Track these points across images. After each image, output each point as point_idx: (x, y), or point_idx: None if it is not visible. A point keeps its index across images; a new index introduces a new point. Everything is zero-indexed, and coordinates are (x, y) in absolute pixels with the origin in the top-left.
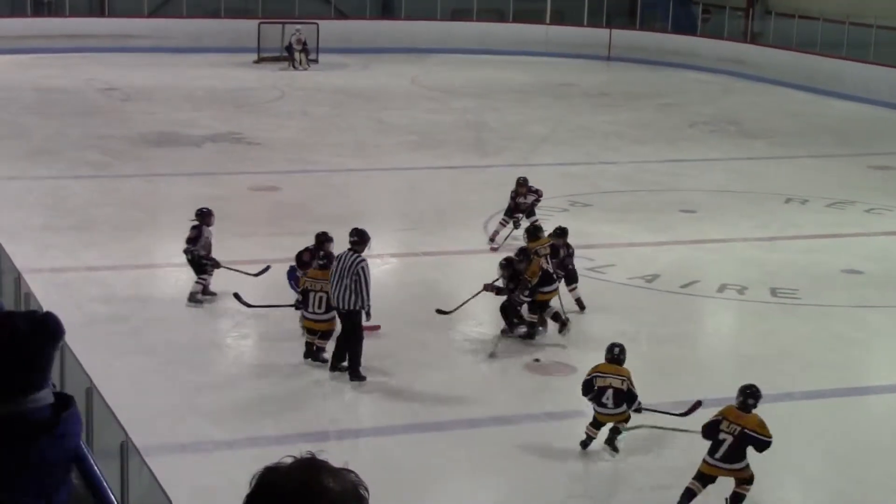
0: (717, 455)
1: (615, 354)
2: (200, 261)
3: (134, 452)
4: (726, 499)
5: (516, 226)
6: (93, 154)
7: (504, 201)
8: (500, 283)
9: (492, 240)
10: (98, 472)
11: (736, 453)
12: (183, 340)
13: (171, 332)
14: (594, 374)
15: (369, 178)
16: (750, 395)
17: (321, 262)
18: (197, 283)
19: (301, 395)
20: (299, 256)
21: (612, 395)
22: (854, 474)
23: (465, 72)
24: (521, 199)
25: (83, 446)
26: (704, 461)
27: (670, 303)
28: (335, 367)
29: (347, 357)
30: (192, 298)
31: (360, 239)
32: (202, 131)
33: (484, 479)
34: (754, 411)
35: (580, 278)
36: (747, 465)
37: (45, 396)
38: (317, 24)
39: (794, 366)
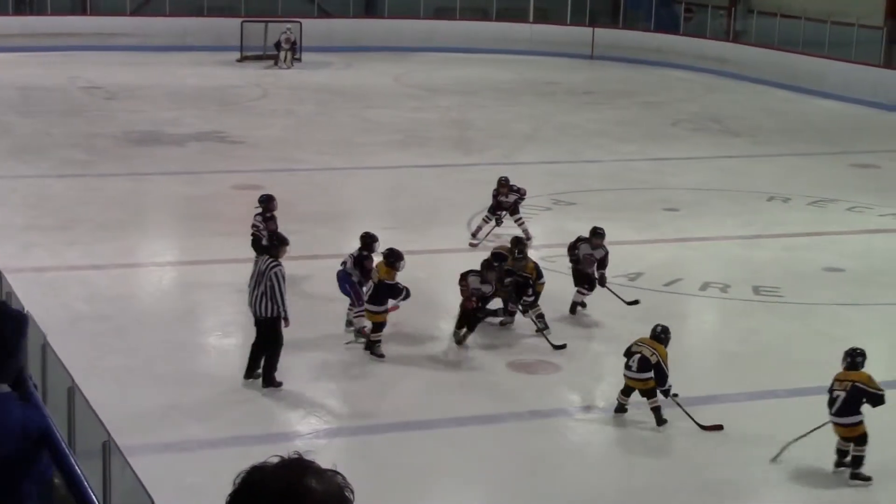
0: (833, 410)
1: (657, 332)
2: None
3: (116, 452)
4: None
5: (498, 223)
6: (76, 153)
7: (487, 199)
8: (484, 288)
9: (473, 235)
10: (79, 471)
11: (849, 407)
12: (167, 339)
13: (156, 331)
14: (634, 343)
15: (353, 177)
16: (858, 354)
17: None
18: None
19: (287, 394)
20: (361, 264)
21: (638, 360)
22: (836, 473)
23: (449, 70)
24: (503, 198)
25: (64, 446)
26: (832, 422)
27: (654, 301)
28: (250, 374)
29: (262, 364)
30: None
31: (276, 243)
32: (186, 130)
33: (470, 479)
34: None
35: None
36: (861, 422)
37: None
38: (300, 22)
39: (777, 364)
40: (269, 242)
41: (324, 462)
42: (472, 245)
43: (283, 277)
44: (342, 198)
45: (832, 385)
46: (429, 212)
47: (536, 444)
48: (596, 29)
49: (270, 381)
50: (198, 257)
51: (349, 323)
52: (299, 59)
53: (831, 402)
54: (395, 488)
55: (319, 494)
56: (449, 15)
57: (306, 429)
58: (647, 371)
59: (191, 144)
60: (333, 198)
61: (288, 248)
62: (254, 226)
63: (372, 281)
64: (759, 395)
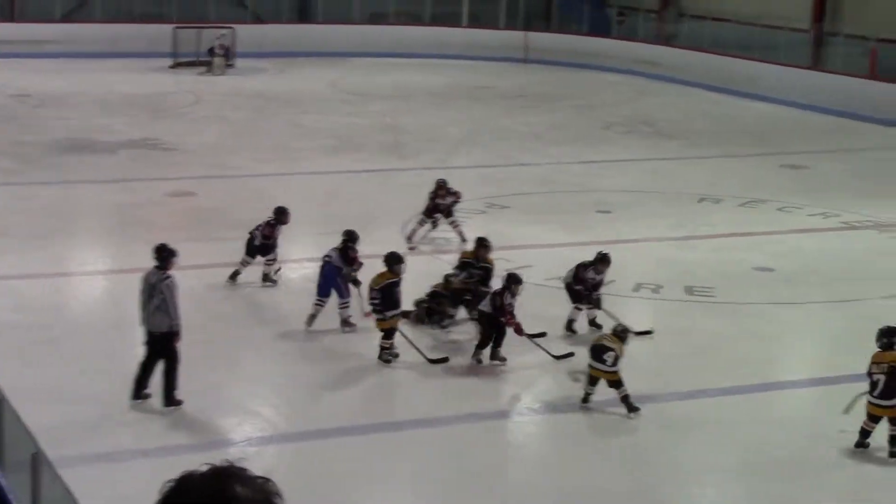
0: (876, 393)
1: (619, 331)
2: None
3: (46, 464)
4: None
5: (434, 226)
6: (5, 161)
7: (422, 203)
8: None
9: (409, 239)
10: (4, 483)
11: (891, 390)
12: (98, 349)
13: (87, 341)
14: (601, 337)
15: (289, 182)
16: (893, 333)
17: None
18: (266, 263)
19: (221, 402)
20: (346, 254)
21: (613, 357)
22: (769, 469)
23: (384, 75)
24: (440, 201)
25: None
26: (868, 402)
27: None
28: (138, 394)
29: (163, 383)
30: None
31: (165, 255)
32: (117, 137)
33: (409, 483)
34: None
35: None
36: None
37: None
38: (234, 28)
39: (710, 363)
40: (163, 255)
41: (257, 469)
42: (409, 249)
43: (176, 289)
44: (276, 203)
45: (870, 368)
46: (365, 216)
47: (475, 447)
48: (529, 33)
49: (171, 400)
50: (130, 265)
51: (314, 317)
52: (233, 66)
53: (872, 386)
54: (331, 495)
55: (246, 501)
56: (383, 20)
57: (240, 436)
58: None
59: (123, 152)
60: (269, 204)
61: (177, 259)
62: (257, 228)
63: (372, 287)
64: (691, 394)
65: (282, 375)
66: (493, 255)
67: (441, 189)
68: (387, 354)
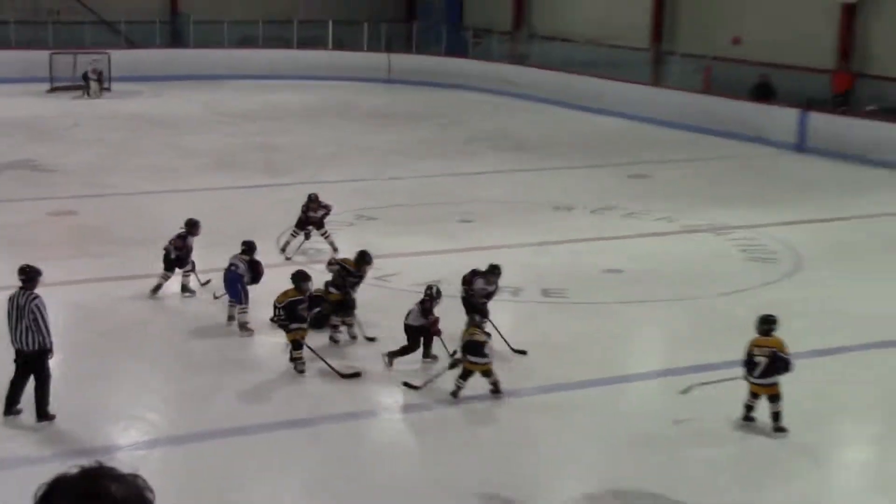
0: (757, 374)
1: (477, 322)
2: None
3: None
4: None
5: (307, 237)
6: None
7: (295, 217)
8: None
9: (283, 250)
10: None
11: (769, 371)
12: (9, 351)
13: None
14: (473, 333)
15: (167, 200)
16: (771, 321)
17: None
18: (184, 275)
19: (109, 407)
20: (255, 268)
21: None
22: (621, 457)
23: (256, 96)
24: (312, 213)
25: None
26: (751, 382)
27: (451, 306)
28: (9, 411)
29: (35, 398)
30: (185, 289)
31: (29, 276)
32: None
33: (282, 482)
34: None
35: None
36: (777, 382)
37: None
38: (108, 53)
39: (566, 360)
40: (22, 276)
41: (143, 471)
42: (286, 259)
43: (44, 308)
44: (155, 220)
45: (751, 350)
46: (242, 231)
47: (347, 445)
48: (392, 55)
49: (45, 415)
50: (14, 283)
51: (231, 318)
52: (108, 89)
53: (752, 366)
54: (217, 493)
55: (118, 497)
56: (253, 44)
57: (126, 441)
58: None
59: (4, 173)
60: (147, 221)
61: (42, 278)
62: (170, 242)
63: (276, 305)
64: (550, 388)
65: (168, 382)
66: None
67: (313, 202)
68: (300, 365)
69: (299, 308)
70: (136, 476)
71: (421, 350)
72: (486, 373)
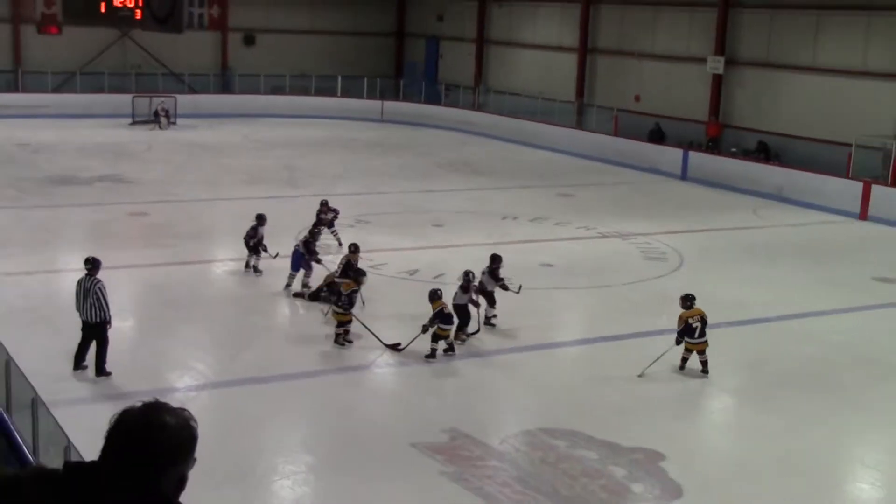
0: (696, 336)
1: (439, 295)
2: (256, 246)
3: (42, 405)
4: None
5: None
6: (10, 191)
7: (309, 221)
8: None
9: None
10: (6, 419)
11: (703, 332)
12: (77, 323)
13: (73, 319)
14: (443, 306)
15: (215, 206)
16: (692, 297)
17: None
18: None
19: (167, 359)
20: (308, 247)
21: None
22: (551, 401)
23: (282, 130)
24: (323, 216)
25: None
26: (687, 342)
27: (425, 290)
28: (78, 366)
29: (95, 359)
30: (253, 267)
31: (94, 265)
32: (92, 174)
33: (299, 418)
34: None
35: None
36: (707, 339)
37: None
38: (175, 97)
39: (509, 329)
40: (93, 265)
41: (192, 407)
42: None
43: (105, 289)
44: (207, 221)
45: (686, 320)
46: (272, 228)
47: (347, 391)
48: (384, 101)
49: (102, 371)
50: (103, 265)
51: (289, 285)
52: (175, 123)
53: (692, 331)
54: (243, 427)
55: (172, 427)
56: (281, 91)
57: (181, 385)
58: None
59: (96, 184)
60: (200, 221)
61: (101, 266)
62: (247, 233)
63: (341, 292)
64: (500, 351)
65: (211, 340)
66: (360, 256)
67: (324, 206)
68: (342, 339)
69: (354, 296)
70: (183, 409)
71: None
72: (448, 336)
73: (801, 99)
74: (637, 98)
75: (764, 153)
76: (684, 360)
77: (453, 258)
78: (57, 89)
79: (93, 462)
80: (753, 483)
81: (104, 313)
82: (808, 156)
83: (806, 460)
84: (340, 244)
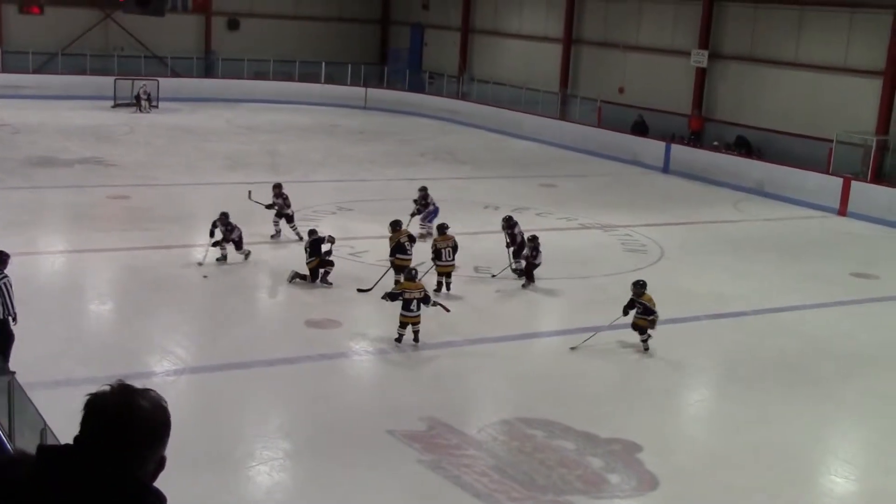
0: (639, 312)
1: (413, 275)
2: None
3: (19, 388)
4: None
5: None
6: None
7: (293, 206)
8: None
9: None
10: None
11: (645, 313)
12: (57, 306)
13: (49, 300)
14: (403, 290)
15: (196, 191)
16: (642, 284)
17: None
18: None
19: (147, 342)
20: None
21: (416, 304)
22: (529, 391)
23: (265, 115)
24: (276, 199)
25: None
26: (637, 318)
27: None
28: None
29: None
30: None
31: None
32: (73, 156)
33: (277, 404)
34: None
35: (337, 262)
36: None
37: None
38: (157, 80)
39: (487, 321)
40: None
41: (170, 391)
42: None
43: (10, 286)
44: (187, 205)
45: (636, 305)
46: (250, 214)
47: (325, 378)
48: (368, 88)
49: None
50: (81, 247)
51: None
52: (156, 107)
53: (627, 309)
54: (221, 412)
55: (148, 410)
56: (264, 76)
57: (160, 369)
58: (420, 308)
59: (76, 166)
60: (181, 205)
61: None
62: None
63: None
64: (476, 341)
65: (190, 323)
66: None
67: (276, 190)
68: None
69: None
70: (150, 390)
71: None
72: (417, 323)
73: (784, 94)
74: (621, 90)
75: (744, 148)
76: (643, 340)
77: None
78: (38, 70)
79: (67, 445)
80: (729, 474)
81: (7, 310)
82: (789, 151)
83: (782, 452)
84: (300, 237)
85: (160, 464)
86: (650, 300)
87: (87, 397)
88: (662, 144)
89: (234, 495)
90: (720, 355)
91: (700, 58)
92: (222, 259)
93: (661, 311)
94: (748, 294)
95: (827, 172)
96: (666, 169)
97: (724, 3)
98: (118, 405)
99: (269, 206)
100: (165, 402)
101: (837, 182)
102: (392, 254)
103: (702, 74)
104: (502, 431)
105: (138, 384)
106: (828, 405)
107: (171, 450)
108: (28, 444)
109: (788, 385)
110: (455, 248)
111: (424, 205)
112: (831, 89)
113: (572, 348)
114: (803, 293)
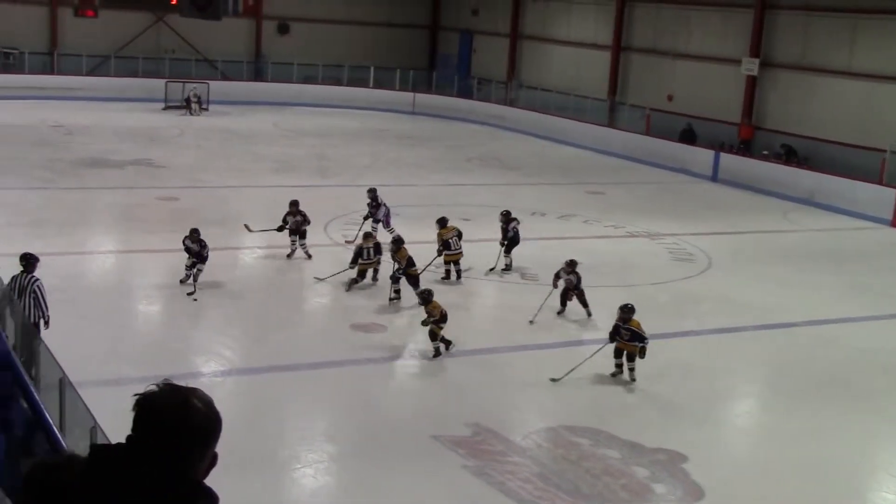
0: (626, 339)
1: (425, 295)
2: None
3: (69, 386)
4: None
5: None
6: (44, 172)
7: (338, 210)
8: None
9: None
10: (38, 399)
11: (634, 339)
12: (106, 305)
13: (98, 299)
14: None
15: (244, 193)
16: (629, 309)
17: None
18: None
19: (194, 344)
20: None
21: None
22: (574, 399)
23: (313, 119)
24: (290, 217)
25: (27, 382)
26: (625, 343)
27: (451, 283)
28: None
29: None
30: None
31: (29, 262)
32: (123, 157)
33: (322, 407)
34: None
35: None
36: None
37: None
38: (208, 83)
39: (533, 329)
40: (27, 262)
41: (217, 392)
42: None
43: (43, 288)
44: (235, 207)
45: (620, 329)
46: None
47: (372, 382)
48: (416, 94)
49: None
50: (130, 247)
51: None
52: (207, 109)
53: (622, 335)
54: (267, 414)
55: (202, 408)
56: (313, 81)
57: (207, 370)
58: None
59: (127, 167)
60: (229, 207)
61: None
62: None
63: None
64: (521, 347)
65: (237, 325)
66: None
67: (292, 206)
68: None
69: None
70: (199, 389)
71: None
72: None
73: (835, 103)
74: (670, 98)
75: (790, 156)
76: (618, 365)
77: (480, 252)
78: (91, 72)
79: (120, 444)
80: (775, 488)
81: (40, 313)
82: (840, 160)
83: (829, 467)
84: (309, 256)
85: (212, 461)
86: (638, 326)
87: (137, 397)
88: (711, 153)
89: (278, 497)
90: (767, 367)
91: (751, 66)
92: (186, 278)
93: (708, 319)
94: (797, 305)
95: (880, 183)
96: (714, 177)
97: (775, 10)
98: (174, 404)
99: (279, 229)
100: (211, 399)
101: (890, 193)
102: (441, 250)
103: (752, 83)
104: (547, 439)
105: (185, 385)
106: (877, 420)
107: (217, 451)
108: (78, 441)
109: (836, 398)
110: (460, 235)
111: (376, 206)
112: (885, 99)
113: (553, 380)
114: (853, 305)
